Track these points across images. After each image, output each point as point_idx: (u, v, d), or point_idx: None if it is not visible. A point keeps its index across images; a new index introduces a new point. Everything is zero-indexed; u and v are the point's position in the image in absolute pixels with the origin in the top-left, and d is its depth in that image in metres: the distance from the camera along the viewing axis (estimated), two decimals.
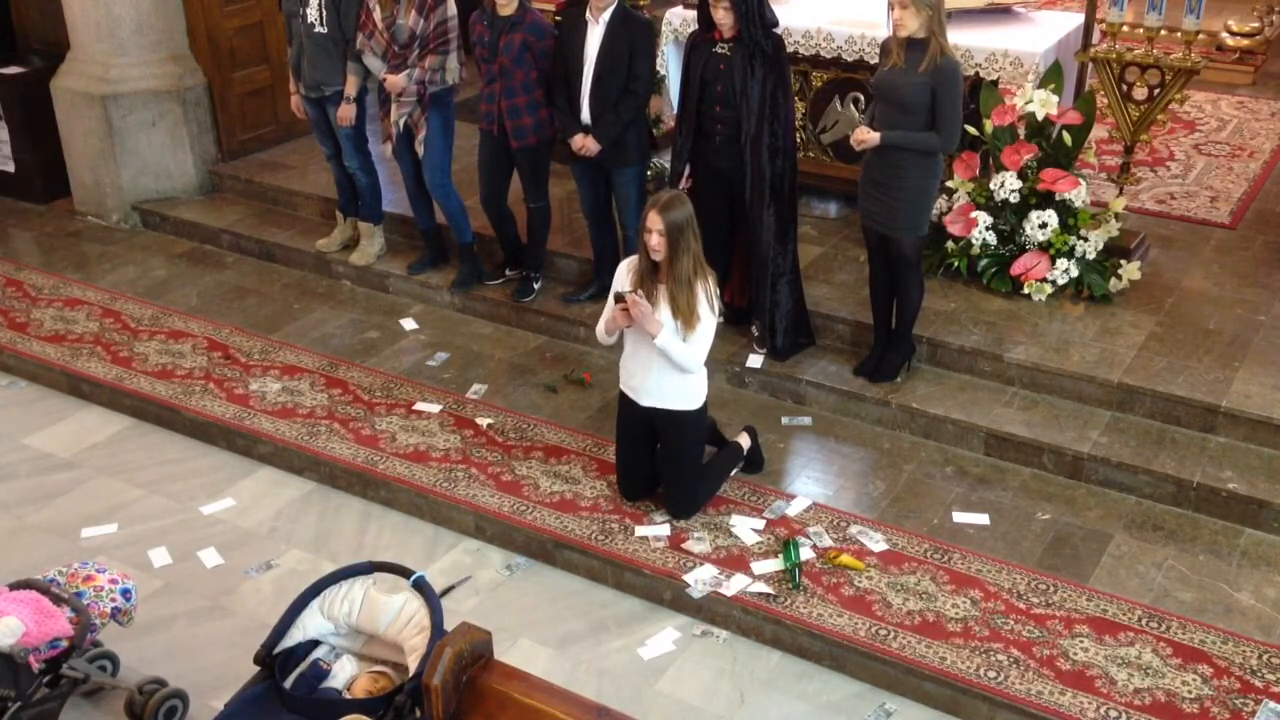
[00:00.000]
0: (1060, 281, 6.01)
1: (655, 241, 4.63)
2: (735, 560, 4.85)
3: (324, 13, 6.35)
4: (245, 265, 7.41)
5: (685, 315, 4.70)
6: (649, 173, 6.44)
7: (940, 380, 5.72)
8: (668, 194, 4.72)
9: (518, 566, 5.09)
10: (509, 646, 4.53)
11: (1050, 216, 5.95)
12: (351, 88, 6.46)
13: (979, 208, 6.11)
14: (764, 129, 5.49)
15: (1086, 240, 5.98)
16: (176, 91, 7.68)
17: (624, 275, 4.88)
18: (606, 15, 5.78)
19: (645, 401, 4.95)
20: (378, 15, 6.21)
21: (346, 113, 6.47)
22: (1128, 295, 6.06)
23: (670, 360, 4.77)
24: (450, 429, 5.73)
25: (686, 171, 5.80)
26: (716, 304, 4.82)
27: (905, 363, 5.73)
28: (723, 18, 5.39)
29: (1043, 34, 6.49)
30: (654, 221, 4.61)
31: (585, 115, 5.93)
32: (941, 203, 6.29)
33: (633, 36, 5.79)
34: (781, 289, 5.79)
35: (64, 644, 4.04)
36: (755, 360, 5.91)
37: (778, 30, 5.52)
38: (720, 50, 5.50)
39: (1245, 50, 8.93)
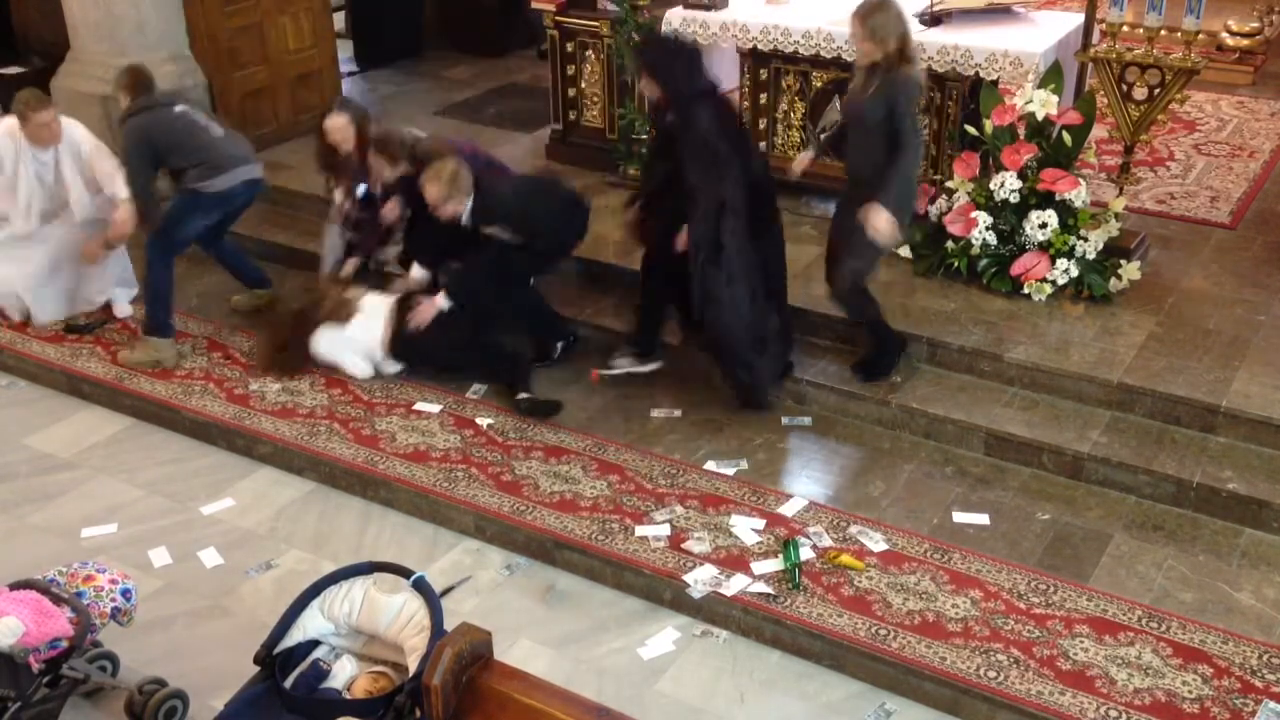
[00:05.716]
0: (1060, 281, 6.01)
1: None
2: (735, 560, 4.84)
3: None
4: None
5: None
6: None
7: (940, 380, 5.72)
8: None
9: (518, 566, 5.09)
10: (509, 646, 4.53)
11: (1050, 216, 5.94)
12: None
13: (979, 208, 6.10)
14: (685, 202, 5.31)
15: (1086, 240, 5.98)
16: (177, 92, 7.66)
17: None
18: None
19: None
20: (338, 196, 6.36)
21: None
22: (1128, 295, 6.05)
23: None
24: (450, 429, 5.73)
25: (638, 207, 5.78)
26: None
27: (895, 360, 5.72)
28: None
29: (1043, 34, 6.48)
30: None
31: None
32: (942, 203, 6.29)
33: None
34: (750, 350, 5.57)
35: (64, 644, 4.04)
36: None
37: (698, 92, 5.25)
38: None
39: (1245, 50, 8.92)
